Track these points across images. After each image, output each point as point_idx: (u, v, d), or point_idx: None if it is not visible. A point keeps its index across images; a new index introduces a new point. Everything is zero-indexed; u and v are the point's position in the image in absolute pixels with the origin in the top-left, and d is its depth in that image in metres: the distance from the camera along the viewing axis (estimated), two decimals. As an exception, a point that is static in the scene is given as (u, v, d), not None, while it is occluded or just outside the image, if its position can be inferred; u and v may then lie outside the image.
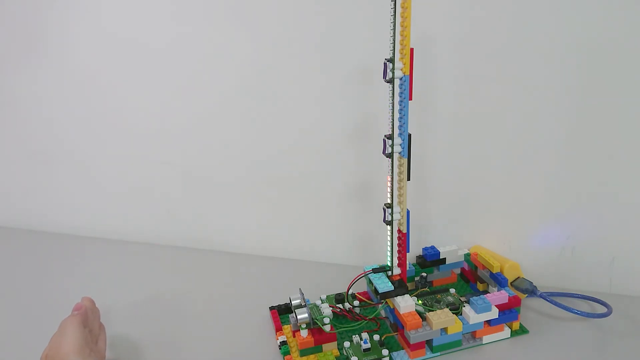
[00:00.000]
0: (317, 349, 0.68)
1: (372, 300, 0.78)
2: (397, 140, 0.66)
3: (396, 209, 0.69)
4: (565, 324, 0.74)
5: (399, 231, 0.72)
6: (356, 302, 0.78)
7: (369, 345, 0.69)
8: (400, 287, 0.71)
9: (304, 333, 0.68)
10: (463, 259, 0.82)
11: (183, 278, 0.90)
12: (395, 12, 0.61)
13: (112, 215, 1.03)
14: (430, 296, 0.76)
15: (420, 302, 0.73)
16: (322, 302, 0.74)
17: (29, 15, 0.91)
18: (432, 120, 0.79)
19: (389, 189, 0.69)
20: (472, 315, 0.69)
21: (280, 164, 0.89)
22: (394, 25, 0.62)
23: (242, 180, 0.92)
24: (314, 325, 0.68)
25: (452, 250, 0.81)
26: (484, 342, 0.71)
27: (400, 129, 0.66)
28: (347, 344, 0.70)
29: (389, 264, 0.73)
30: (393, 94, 0.64)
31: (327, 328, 0.68)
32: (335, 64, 0.80)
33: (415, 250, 0.83)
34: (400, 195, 0.69)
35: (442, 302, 0.74)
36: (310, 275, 0.88)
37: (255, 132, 0.88)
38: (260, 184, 0.91)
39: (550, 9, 0.70)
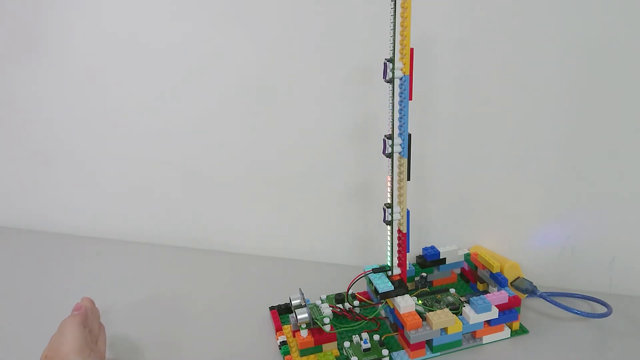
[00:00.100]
0: (317, 349, 0.68)
1: (372, 300, 0.78)
2: (397, 140, 0.66)
3: (396, 209, 0.69)
4: (565, 324, 0.74)
5: (399, 231, 0.72)
6: (356, 302, 0.78)
7: (369, 345, 0.69)
8: (400, 287, 0.71)
9: (304, 333, 0.68)
10: (463, 259, 0.82)
11: (183, 278, 0.90)
12: (395, 12, 0.61)
13: (112, 215, 1.03)
14: (430, 296, 0.76)
15: (420, 302, 0.73)
16: (322, 302, 0.74)
17: (29, 15, 0.91)
18: (432, 120, 0.79)
19: (389, 189, 0.69)
20: (472, 315, 0.69)
21: (280, 164, 0.89)
22: (394, 25, 0.62)
23: (242, 180, 0.92)
24: (314, 325, 0.68)
25: (452, 250, 0.81)
26: (484, 342, 0.71)
27: (400, 129, 0.66)
28: (347, 344, 0.70)
29: (389, 264, 0.73)
30: (393, 94, 0.64)
31: (327, 328, 0.68)
32: (335, 64, 0.80)
33: (415, 250, 0.83)
34: (400, 195, 0.69)
35: (442, 302, 0.74)
36: (310, 275, 0.88)
37: (255, 132, 0.88)
38: (260, 184, 0.91)
39: (551, 9, 0.70)
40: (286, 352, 0.70)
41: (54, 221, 1.06)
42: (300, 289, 0.71)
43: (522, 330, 0.73)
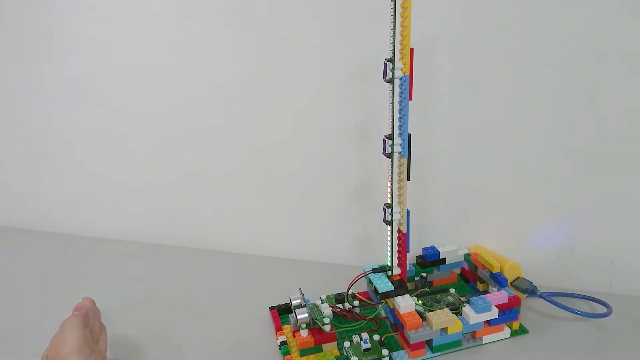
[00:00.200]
0: (317, 349, 0.68)
1: (372, 300, 0.78)
2: (397, 140, 0.66)
3: (396, 209, 0.69)
4: (565, 324, 0.74)
5: (399, 231, 0.72)
6: (356, 302, 0.78)
7: (369, 345, 0.69)
8: (400, 287, 0.71)
9: (304, 333, 0.68)
10: (463, 259, 0.82)
11: (183, 278, 0.90)
12: (395, 12, 0.61)
13: (112, 215, 1.02)
14: (430, 296, 0.76)
15: (420, 302, 0.73)
16: (322, 302, 0.74)
17: (28, 15, 0.91)
18: (432, 120, 0.79)
19: (389, 189, 0.69)
20: (472, 315, 0.69)
21: (280, 164, 0.89)
22: (394, 25, 0.62)
23: (242, 180, 0.92)
24: (314, 325, 0.68)
25: (452, 250, 0.81)
26: (484, 342, 0.71)
27: (400, 129, 0.66)
28: (347, 344, 0.70)
29: (389, 264, 0.73)
30: (393, 94, 0.64)
31: (327, 328, 0.68)
32: (335, 64, 0.80)
33: (415, 250, 0.83)
34: (400, 195, 0.69)
35: (442, 302, 0.74)
36: (310, 275, 0.88)
37: (255, 132, 0.88)
38: (260, 184, 0.91)
39: (551, 9, 0.70)
40: (286, 352, 0.70)
41: (54, 221, 1.06)
42: (300, 289, 0.71)
43: (522, 330, 0.73)
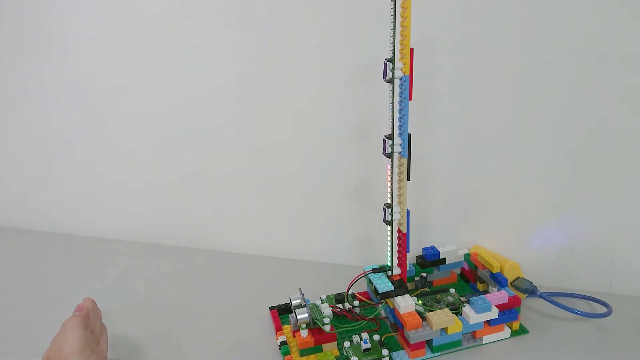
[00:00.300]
0: (317, 349, 0.68)
1: (372, 300, 0.78)
2: (397, 140, 0.66)
3: (396, 209, 0.69)
4: (565, 324, 0.74)
5: (399, 231, 0.72)
6: (356, 302, 0.78)
7: (369, 345, 0.69)
8: (400, 287, 0.71)
9: (304, 333, 0.68)
10: (463, 259, 0.82)
11: (183, 278, 0.90)
12: (395, 12, 0.61)
13: (112, 215, 1.02)
14: (430, 296, 0.76)
15: (420, 302, 0.73)
16: (322, 302, 0.74)
17: (28, 15, 0.91)
18: (432, 120, 0.79)
19: (389, 189, 0.69)
20: (472, 315, 0.69)
21: (280, 164, 0.89)
22: (394, 25, 0.62)
23: (242, 180, 0.92)
24: (314, 325, 0.68)
25: (452, 250, 0.81)
26: (484, 342, 0.71)
27: (400, 129, 0.66)
28: (347, 344, 0.70)
29: (389, 264, 0.73)
30: (393, 94, 0.64)
31: (327, 328, 0.68)
32: (335, 64, 0.80)
33: (415, 250, 0.83)
34: (400, 195, 0.69)
35: (442, 302, 0.74)
36: (310, 275, 0.88)
37: (255, 132, 0.88)
38: (260, 184, 0.91)
39: (551, 9, 0.70)
40: (286, 352, 0.70)
41: (54, 221, 1.06)
42: (300, 289, 0.71)
43: (522, 330, 0.73)
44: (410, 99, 0.65)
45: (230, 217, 0.96)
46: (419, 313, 0.69)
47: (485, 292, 0.78)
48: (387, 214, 0.69)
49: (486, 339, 0.71)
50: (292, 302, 0.70)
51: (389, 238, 0.71)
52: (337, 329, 0.72)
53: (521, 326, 0.73)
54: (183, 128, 0.92)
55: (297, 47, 0.81)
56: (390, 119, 0.66)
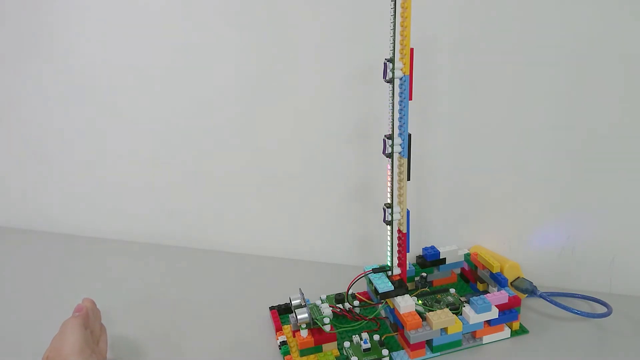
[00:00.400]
0: (317, 349, 0.68)
1: (372, 300, 0.78)
2: (397, 140, 0.66)
3: (396, 209, 0.69)
4: (565, 324, 0.74)
5: (399, 231, 0.72)
6: (356, 302, 0.78)
7: (369, 345, 0.69)
8: (400, 287, 0.71)
9: (304, 333, 0.68)
10: (463, 259, 0.82)
11: (183, 278, 0.90)
12: (395, 12, 0.61)
13: (112, 215, 1.02)
14: (430, 296, 0.76)
15: (420, 302, 0.73)
16: (322, 302, 0.74)
17: (28, 15, 0.91)
18: (432, 120, 0.79)
19: (389, 189, 0.69)
20: (472, 315, 0.69)
21: (280, 164, 0.89)
22: (394, 25, 0.62)
23: (242, 180, 0.92)
24: (314, 325, 0.68)
25: (452, 250, 0.81)
26: (484, 342, 0.71)
27: (400, 129, 0.66)
28: (347, 344, 0.70)
29: (389, 264, 0.73)
30: (393, 94, 0.64)
31: (327, 328, 0.68)
32: (335, 64, 0.80)
33: (415, 250, 0.83)
34: (400, 195, 0.69)
35: (442, 302, 0.74)
36: (310, 275, 0.88)
37: (255, 132, 0.88)
38: (260, 184, 0.91)
39: (551, 9, 0.70)
40: (286, 352, 0.70)
41: (54, 221, 1.06)
42: (300, 289, 0.71)
43: (522, 330, 0.73)
44: (410, 99, 0.65)
45: (230, 217, 0.96)
46: (419, 313, 0.69)
47: (485, 292, 0.78)
48: (387, 214, 0.69)
49: (486, 339, 0.71)
50: (292, 302, 0.70)
51: (389, 238, 0.71)
52: (337, 329, 0.72)
53: (521, 326, 0.73)
54: (183, 128, 0.92)
55: (297, 47, 0.81)
56: (390, 119, 0.66)
